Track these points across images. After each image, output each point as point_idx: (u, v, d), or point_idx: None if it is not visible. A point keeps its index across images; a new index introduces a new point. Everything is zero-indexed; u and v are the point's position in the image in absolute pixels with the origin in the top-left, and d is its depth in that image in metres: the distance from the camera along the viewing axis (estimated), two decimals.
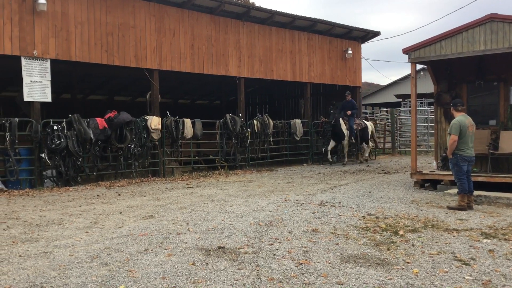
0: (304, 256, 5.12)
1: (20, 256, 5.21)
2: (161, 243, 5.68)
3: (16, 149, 11.18)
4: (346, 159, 17.63)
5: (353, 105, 17.40)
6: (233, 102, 21.94)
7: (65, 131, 11.57)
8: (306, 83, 19.05)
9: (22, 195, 10.18)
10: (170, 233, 6.19)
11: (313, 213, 7.58)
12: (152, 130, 13.44)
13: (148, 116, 13.64)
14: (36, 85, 11.66)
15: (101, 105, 19.81)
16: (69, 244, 5.69)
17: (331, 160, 17.27)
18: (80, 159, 11.89)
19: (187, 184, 12.13)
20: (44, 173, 11.58)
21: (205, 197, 9.57)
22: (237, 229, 6.43)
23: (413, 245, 5.58)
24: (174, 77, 17.59)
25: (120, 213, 7.83)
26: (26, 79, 11.51)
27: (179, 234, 6.15)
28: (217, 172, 14.80)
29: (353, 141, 17.51)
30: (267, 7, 17.09)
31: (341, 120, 16.86)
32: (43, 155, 11.32)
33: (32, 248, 5.52)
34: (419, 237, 5.95)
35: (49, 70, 11.87)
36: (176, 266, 4.73)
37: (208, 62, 15.49)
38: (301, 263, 4.84)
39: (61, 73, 14.77)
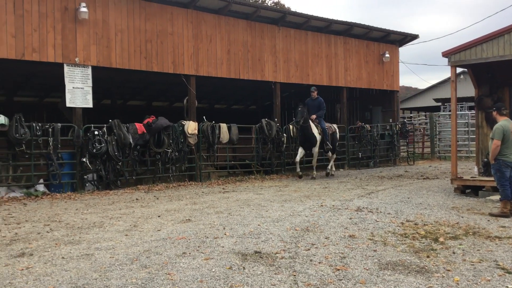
0: (341, 262, 5.08)
1: (63, 258, 5.37)
2: (198, 246, 5.75)
3: (59, 154, 11.53)
4: (315, 172, 14.75)
5: (320, 104, 14.54)
6: (269, 107, 21.98)
7: (105, 136, 11.86)
8: (342, 88, 18.92)
9: (64, 198, 10.49)
10: (207, 237, 6.25)
11: (350, 218, 7.50)
12: (189, 135, 13.63)
13: (185, 121, 13.84)
14: (78, 91, 12.02)
15: (139, 111, 20.25)
16: (110, 246, 5.83)
17: (300, 173, 14.26)
18: (119, 164, 12.17)
19: (223, 188, 12.22)
20: (85, 177, 11.91)
21: (241, 201, 9.62)
22: (274, 234, 6.44)
23: (453, 253, 5.45)
24: (211, 83, 17.78)
25: (159, 216, 7.96)
26: (68, 86, 11.88)
27: (216, 238, 6.20)
28: (252, 176, 14.85)
29: (329, 146, 14.58)
30: (303, 12, 17.13)
31: (311, 122, 14.03)
32: (84, 160, 11.64)
33: (74, 250, 5.68)
34: (460, 245, 5.80)
35: (90, 76, 12.22)
36: (213, 270, 4.78)
37: (244, 67, 15.59)
38: (338, 269, 4.81)
39: (102, 79, 15.16)
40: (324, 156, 16.12)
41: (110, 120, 12.26)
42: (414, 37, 20.84)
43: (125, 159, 12.46)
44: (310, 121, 13.87)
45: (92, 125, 11.93)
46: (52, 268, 4.94)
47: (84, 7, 11.81)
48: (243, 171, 16.04)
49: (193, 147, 13.92)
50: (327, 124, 14.86)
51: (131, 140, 12.28)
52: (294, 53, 17.03)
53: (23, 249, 5.77)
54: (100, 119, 13.51)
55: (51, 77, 15.30)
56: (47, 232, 6.80)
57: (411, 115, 37.46)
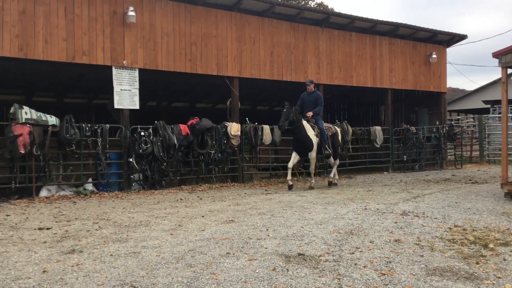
0: (386, 266, 5.00)
1: (111, 255, 5.52)
2: (242, 247, 5.79)
3: (107, 154, 11.88)
4: (313, 180, 12.75)
5: (317, 99, 12.36)
6: None
7: (151, 137, 12.13)
8: (387, 89, 18.60)
9: (112, 197, 10.79)
10: (251, 238, 6.28)
11: (395, 222, 7.36)
12: (231, 136, 13.74)
13: (228, 123, 13.97)
14: (125, 93, 12.34)
15: (183, 112, 20.58)
16: (156, 245, 5.95)
17: (290, 183, 12.08)
18: (164, 164, 12.41)
19: (265, 190, 12.25)
20: (131, 176, 12.21)
21: (283, 203, 9.62)
22: (317, 236, 6.40)
23: (504, 259, 5.25)
24: (253, 84, 17.86)
25: (202, 216, 8.06)
26: (116, 88, 12.22)
27: (259, 239, 6.22)
28: (295, 179, 14.81)
29: (328, 151, 12.34)
30: (347, 13, 16.93)
31: (304, 122, 11.84)
32: (131, 160, 11.94)
33: (122, 248, 5.83)
34: (511, 251, 5.59)
35: (137, 79, 12.52)
36: (257, 271, 4.80)
37: (287, 69, 15.59)
38: (384, 274, 4.73)
39: (148, 81, 15.48)
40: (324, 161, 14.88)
41: (156, 122, 12.52)
42: (462, 37, 20.25)
43: (170, 159, 12.69)
44: (304, 121, 11.79)
45: (139, 126, 12.22)
46: (101, 265, 5.09)
47: (132, 11, 12.12)
48: (285, 173, 15.98)
49: (235, 148, 14.02)
50: (325, 125, 12.82)
51: (175, 141, 12.49)
52: (338, 54, 16.88)
53: (73, 246, 5.97)
54: (146, 120, 13.84)
55: (99, 79, 15.78)
56: (96, 230, 7.01)
57: (459, 117, 36.38)
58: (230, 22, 14.30)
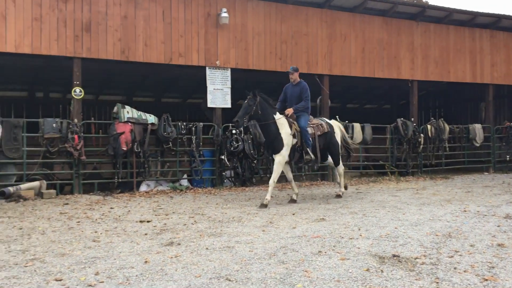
0: (489, 272, 4.71)
1: (207, 248, 5.72)
2: (333, 246, 5.74)
3: (201, 151, 12.34)
4: (269, 195, 9.07)
5: (302, 92, 9.65)
6: (404, 106, 21.13)
7: (242, 135, 12.40)
8: (488, 85, 17.46)
9: (205, 193, 11.18)
10: (342, 237, 6.21)
11: (498, 226, 6.91)
12: None
13: None
14: (218, 93, 12.73)
15: None
16: (249, 240, 6.08)
17: (265, 202, 8.95)
18: (255, 162, 12.64)
19: (356, 189, 12.04)
20: (223, 173, 12.57)
21: (375, 203, 9.40)
22: (412, 238, 6.18)
23: None
24: (343, 82, 17.60)
25: (293, 214, 8.10)
26: (209, 87, 12.64)
27: (351, 238, 6.14)
28: (386, 178, 14.41)
29: (310, 156, 9.53)
30: (444, 5, 16.13)
31: (282, 119, 9.30)
32: (223, 157, 12.30)
33: (216, 242, 6.03)
34: None
35: (229, 78, 12.87)
36: (350, 271, 4.74)
37: (379, 65, 15.19)
38: (486, 280, 4.46)
39: (238, 80, 15.84)
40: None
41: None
42: None
43: (260, 157, 12.89)
44: (281, 117, 9.29)
45: (230, 124, 12.54)
46: (197, 258, 5.30)
47: (225, 12, 12.46)
48: (377, 172, 15.63)
49: None
50: (315, 121, 9.94)
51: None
52: (434, 49, 16.14)
53: (171, 238, 6.27)
54: None
55: (194, 80, 16.38)
56: (192, 224, 7.30)
57: None
58: (320, 19, 14.21)
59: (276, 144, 9.17)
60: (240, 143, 12.28)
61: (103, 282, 4.46)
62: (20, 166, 10.77)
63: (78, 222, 7.46)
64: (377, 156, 16.21)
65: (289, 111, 9.45)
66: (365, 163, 15.82)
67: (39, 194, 10.06)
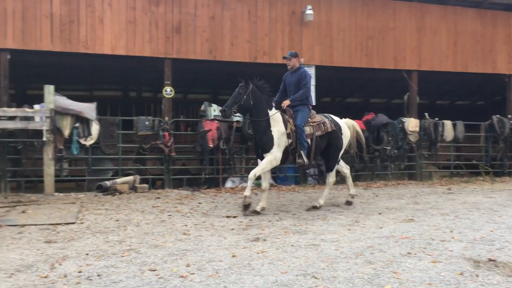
0: None
1: (292, 245, 5.76)
2: (424, 248, 5.54)
3: None
4: (248, 192, 7.82)
5: (300, 80, 8.36)
6: (500, 103, 19.81)
7: None
8: None
9: (289, 190, 11.23)
10: (433, 239, 5.98)
11: None
12: (409, 132, 13.23)
13: (405, 118, 13.47)
14: None
15: (357, 107, 20.36)
16: (334, 239, 6.04)
17: (247, 200, 7.82)
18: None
19: (447, 189, 11.50)
20: (307, 171, 12.55)
21: (468, 204, 8.93)
22: (510, 242, 5.82)
23: None
24: (433, 77, 16.86)
25: (379, 214, 7.92)
26: None
27: (442, 241, 5.89)
28: (480, 178, 13.65)
29: (304, 160, 8.05)
30: None
31: (277, 114, 8.04)
32: None
33: (302, 240, 6.04)
34: None
35: (313, 75, 12.79)
36: (442, 274, 4.55)
37: (472, 59, 14.40)
38: None
39: (322, 78, 15.72)
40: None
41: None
42: None
43: (345, 155, 12.70)
44: (275, 111, 8.06)
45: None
46: (283, 254, 5.34)
47: (309, 9, 12.43)
48: (469, 171, 14.85)
49: (413, 145, 13.45)
50: (318, 118, 8.47)
51: None
52: None
53: (257, 234, 6.38)
54: None
55: (278, 77, 16.47)
56: (277, 220, 7.37)
57: None
58: (409, 13, 13.72)
59: (265, 141, 7.90)
60: None
61: (194, 273, 4.64)
62: (116, 162, 11.48)
63: (169, 215, 7.80)
64: (470, 155, 15.38)
65: (285, 103, 8.21)
66: (457, 162, 15.06)
67: (133, 188, 10.65)
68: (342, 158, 9.16)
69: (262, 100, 7.92)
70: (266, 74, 16.57)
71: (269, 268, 4.82)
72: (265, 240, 6.04)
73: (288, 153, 8.06)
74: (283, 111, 8.14)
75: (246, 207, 7.87)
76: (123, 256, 5.27)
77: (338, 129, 8.62)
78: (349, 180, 9.00)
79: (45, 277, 4.54)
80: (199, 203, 9.22)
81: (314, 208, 8.39)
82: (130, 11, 11.41)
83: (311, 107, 8.53)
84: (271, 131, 7.88)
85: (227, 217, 7.66)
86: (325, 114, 8.80)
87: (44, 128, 10.11)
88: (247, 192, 7.81)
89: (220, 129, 11.66)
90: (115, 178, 10.91)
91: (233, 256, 5.26)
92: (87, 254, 5.33)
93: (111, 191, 10.21)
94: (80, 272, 4.68)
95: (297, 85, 8.32)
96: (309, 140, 8.15)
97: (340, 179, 10.41)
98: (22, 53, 11.12)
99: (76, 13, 11.02)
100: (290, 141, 7.99)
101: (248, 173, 7.75)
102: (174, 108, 13.24)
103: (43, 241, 5.95)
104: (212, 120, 11.71)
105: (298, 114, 8.17)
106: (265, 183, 8.26)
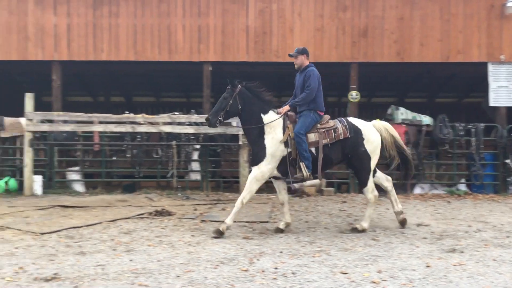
0: None
1: (494, 260, 5.29)
2: None
3: (481, 154, 11.41)
4: (230, 220, 6.63)
5: (305, 80, 7.01)
6: None
7: None
8: None
9: (487, 199, 10.28)
10: None
11: None
12: None
13: None
14: (502, 90, 11.57)
15: None
16: None
17: (223, 229, 6.57)
18: None
19: None
20: (508, 179, 11.35)
21: None
22: None
23: None
24: None
25: None
26: (492, 85, 11.59)
27: None
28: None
29: (303, 174, 6.64)
30: None
31: (277, 120, 6.86)
32: (508, 161, 11.12)
33: (505, 254, 5.51)
34: None
35: None
36: None
37: None
38: None
39: None
40: None
41: None
42: None
43: None
44: (275, 117, 6.90)
45: None
46: (484, 269, 4.95)
47: (510, 1, 11.24)
48: None
49: None
50: (330, 123, 7.00)
51: None
52: None
53: (453, 245, 6.00)
54: None
55: (471, 77, 15.27)
56: (475, 232, 6.84)
57: None
58: None
59: (255, 151, 6.84)
60: None
61: (386, 280, 4.58)
62: None
63: (356, 219, 7.75)
64: None
65: (284, 109, 7.00)
66: None
67: (319, 191, 10.90)
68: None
69: (253, 105, 6.85)
70: (458, 74, 15.61)
71: (469, 282, 4.52)
72: (462, 252, 5.66)
73: (287, 164, 6.75)
74: (287, 116, 6.95)
75: (219, 232, 6.52)
76: (314, 257, 5.45)
77: (357, 135, 6.98)
78: (391, 195, 7.36)
79: (245, 270, 4.94)
80: (387, 209, 9.01)
81: (355, 230, 6.89)
82: (318, 19, 11.73)
83: (322, 113, 7.11)
84: (263, 139, 6.74)
85: (418, 225, 7.36)
86: (346, 118, 7.34)
87: (240, 132, 10.96)
88: (228, 221, 6.59)
89: (408, 133, 11.24)
90: None
91: (427, 266, 5.06)
92: (281, 252, 5.65)
93: (299, 193, 10.60)
94: (276, 268, 4.99)
95: (303, 87, 7.06)
96: (313, 149, 6.81)
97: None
98: (220, 65, 12.23)
99: (269, 25, 11.74)
100: (289, 150, 6.73)
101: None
102: (358, 112, 13.20)
103: (242, 237, 6.48)
104: (399, 124, 11.35)
105: (300, 119, 6.92)
106: (281, 195, 7.13)
